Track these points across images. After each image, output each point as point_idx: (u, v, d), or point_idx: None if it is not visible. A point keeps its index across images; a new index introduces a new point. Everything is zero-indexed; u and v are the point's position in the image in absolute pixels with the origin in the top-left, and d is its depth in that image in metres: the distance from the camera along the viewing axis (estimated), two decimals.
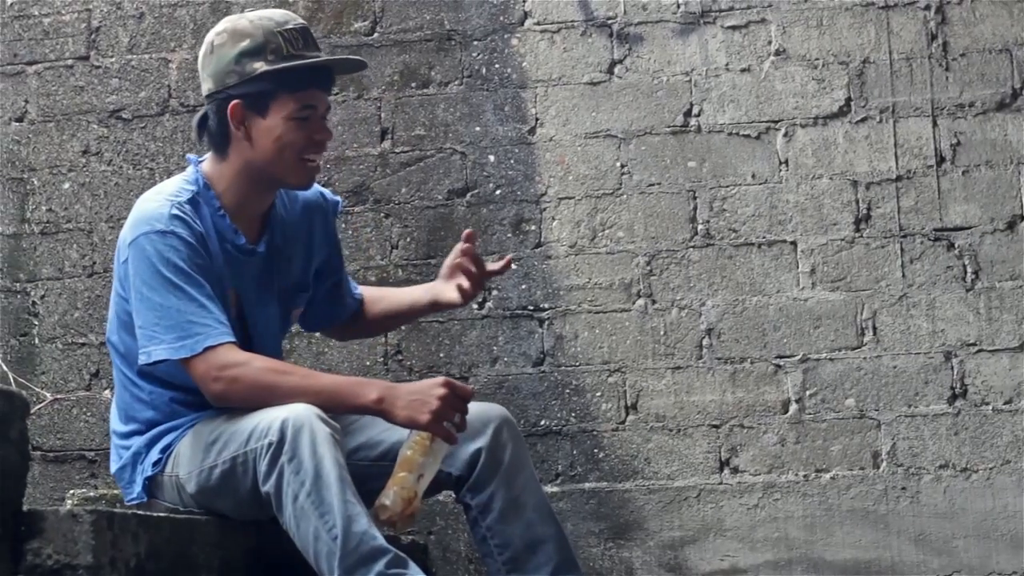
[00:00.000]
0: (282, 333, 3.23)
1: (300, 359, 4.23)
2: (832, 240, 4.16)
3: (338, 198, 3.28)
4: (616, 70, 4.30)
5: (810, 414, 4.11)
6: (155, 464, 2.97)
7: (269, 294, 3.08)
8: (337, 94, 4.30)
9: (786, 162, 4.21)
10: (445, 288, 3.15)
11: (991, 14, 4.16)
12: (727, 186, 4.22)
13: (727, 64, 4.26)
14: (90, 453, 4.37)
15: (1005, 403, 4.06)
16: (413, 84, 4.38)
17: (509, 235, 4.28)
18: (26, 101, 4.53)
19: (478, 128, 4.33)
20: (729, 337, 4.17)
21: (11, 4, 4.56)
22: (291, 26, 2.99)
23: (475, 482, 3.00)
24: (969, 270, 4.10)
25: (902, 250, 4.13)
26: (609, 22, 4.31)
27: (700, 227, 4.22)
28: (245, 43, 2.95)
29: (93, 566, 2.39)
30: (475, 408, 2.93)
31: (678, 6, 4.29)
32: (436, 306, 3.24)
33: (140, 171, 4.45)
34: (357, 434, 3.04)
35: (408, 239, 4.32)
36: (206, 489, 2.88)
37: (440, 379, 2.85)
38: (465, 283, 3.09)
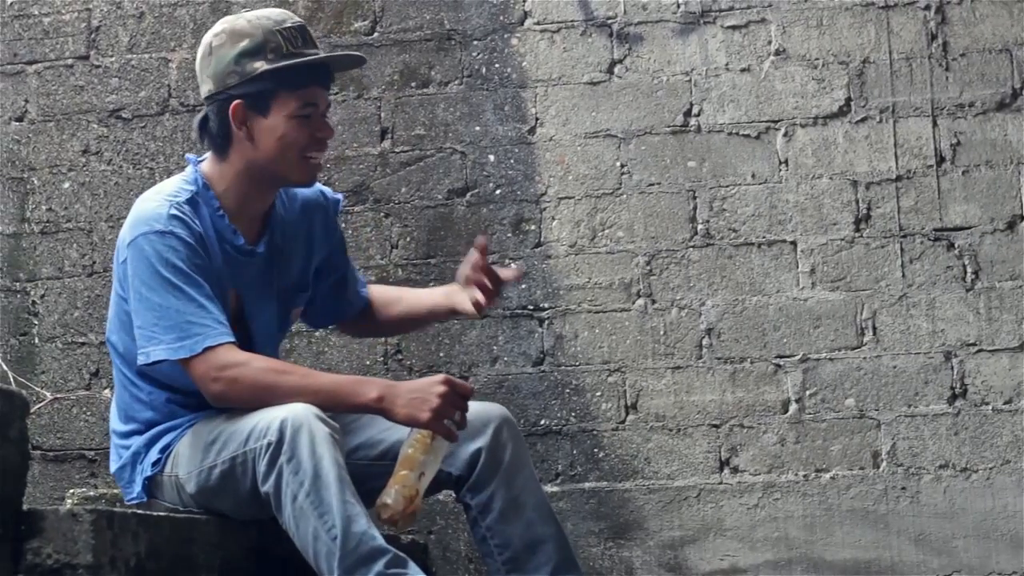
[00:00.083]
0: (282, 333, 3.23)
1: (300, 359, 4.23)
2: (832, 240, 4.16)
3: (339, 196, 3.27)
4: (616, 70, 4.30)
5: (810, 414, 4.11)
6: (154, 464, 2.97)
7: (269, 294, 3.08)
8: (337, 94, 4.30)
9: (786, 162, 4.21)
10: (463, 297, 3.14)
11: (991, 14, 4.16)
12: (727, 186, 4.22)
13: (727, 64, 4.26)
14: (90, 452, 4.37)
15: (1005, 403, 4.06)
16: (413, 84, 4.38)
17: (509, 235, 4.28)
18: (26, 100, 4.53)
19: (478, 128, 4.33)
20: (729, 337, 4.17)
21: (11, 3, 4.56)
22: (289, 24, 2.98)
23: (475, 482, 3.00)
24: (969, 270, 4.10)
25: (902, 250, 4.13)
26: (609, 22, 4.31)
27: (700, 227, 4.22)
28: (244, 43, 2.95)
29: (93, 565, 2.39)
30: (475, 407, 2.93)
31: (678, 6, 4.29)
32: (455, 313, 3.23)
33: (140, 171, 4.45)
34: (357, 433, 3.04)
35: (408, 239, 4.32)
36: (206, 489, 2.88)
37: (440, 377, 2.85)
38: (480, 297, 3.08)
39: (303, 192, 3.15)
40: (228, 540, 2.89)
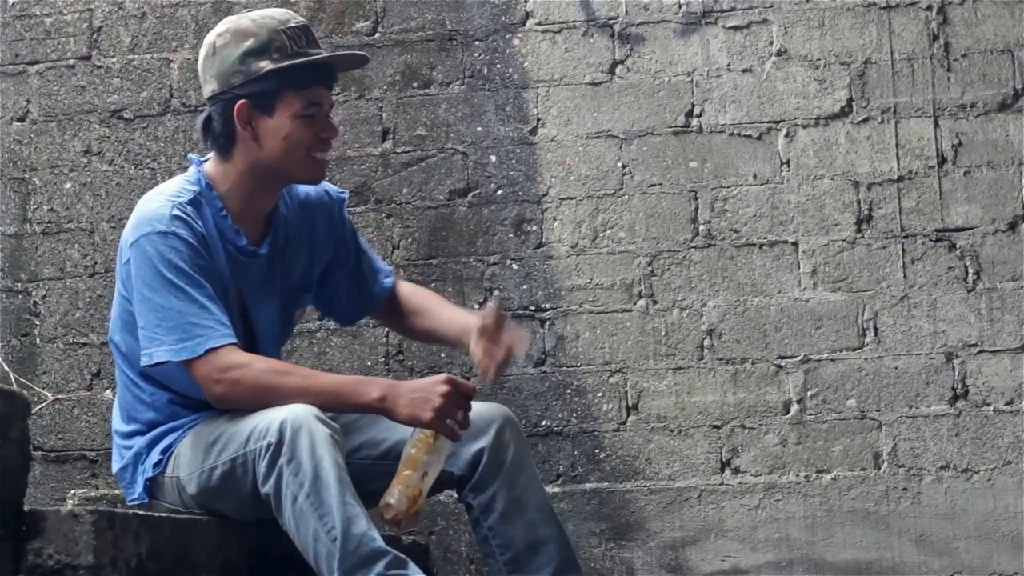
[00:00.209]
0: (285, 334, 3.22)
1: (301, 359, 4.23)
2: (833, 241, 4.16)
3: (344, 193, 3.25)
4: (618, 70, 4.30)
5: (811, 415, 4.11)
6: (156, 465, 2.97)
7: (271, 295, 3.07)
8: (338, 94, 4.30)
9: (787, 162, 4.21)
10: (478, 351, 3.04)
11: (993, 15, 4.16)
12: (728, 186, 4.22)
13: (728, 64, 4.26)
14: (91, 453, 4.37)
15: (1006, 404, 4.05)
16: (415, 84, 4.38)
17: (510, 235, 4.28)
18: (28, 101, 4.53)
19: (479, 128, 4.33)
20: (730, 338, 4.17)
21: (13, 4, 4.56)
22: (293, 24, 2.98)
23: (477, 482, 3.00)
24: (970, 271, 4.10)
25: (903, 251, 4.13)
26: (611, 22, 4.31)
27: (701, 227, 4.22)
28: (249, 42, 2.94)
29: (94, 566, 2.39)
30: (478, 407, 2.92)
31: (680, 6, 4.28)
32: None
33: (142, 171, 4.45)
34: (359, 433, 3.03)
35: (409, 239, 4.32)
36: (206, 490, 2.88)
37: (442, 376, 2.85)
38: (489, 368, 2.98)
39: (306, 192, 3.14)
40: (229, 541, 2.89)
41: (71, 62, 4.52)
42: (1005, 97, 4.14)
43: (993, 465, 4.04)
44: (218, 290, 2.90)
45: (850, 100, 4.20)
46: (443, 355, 4.24)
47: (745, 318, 4.17)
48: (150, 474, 2.97)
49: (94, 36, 4.52)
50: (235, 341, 2.85)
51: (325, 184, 3.19)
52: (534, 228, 4.28)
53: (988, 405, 4.06)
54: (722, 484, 4.13)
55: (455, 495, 3.11)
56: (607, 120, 4.28)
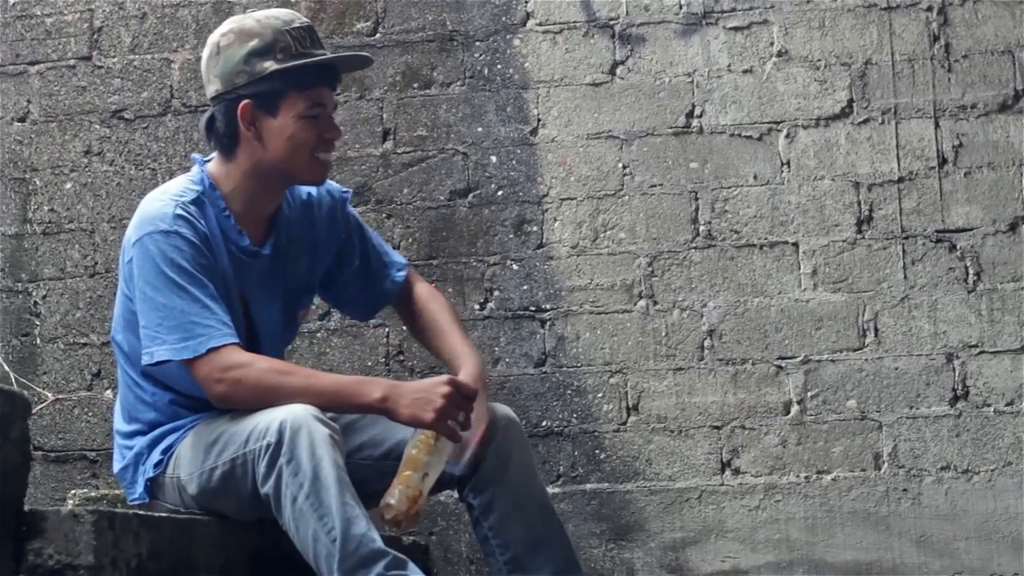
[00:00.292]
0: (288, 335, 3.22)
1: (301, 359, 4.23)
2: (834, 241, 4.16)
3: (347, 192, 3.24)
4: (618, 71, 4.30)
5: (811, 415, 4.11)
6: (156, 465, 2.97)
7: (274, 296, 3.07)
8: (339, 95, 4.29)
9: (788, 163, 4.21)
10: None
11: (993, 15, 4.16)
12: (729, 187, 4.22)
13: (729, 65, 4.26)
14: (91, 453, 4.37)
15: (1007, 405, 4.05)
16: (415, 85, 4.38)
17: (511, 236, 4.28)
18: (28, 101, 4.53)
19: (480, 129, 4.33)
20: (731, 338, 4.17)
21: (13, 4, 4.56)
22: (298, 25, 2.98)
23: (478, 481, 3.00)
24: (971, 272, 4.10)
25: (904, 251, 4.13)
26: (611, 23, 4.31)
27: (702, 228, 4.22)
28: (254, 43, 2.94)
29: (94, 566, 2.39)
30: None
31: (680, 7, 4.29)
32: None
33: (142, 171, 4.45)
34: (360, 433, 3.03)
35: (410, 240, 4.32)
36: (207, 491, 2.87)
37: (444, 377, 2.85)
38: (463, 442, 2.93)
39: (309, 192, 3.14)
40: (229, 541, 2.89)
41: (72, 62, 4.52)
42: (1006, 98, 4.15)
43: (993, 466, 4.04)
44: (220, 290, 2.90)
45: (851, 101, 4.20)
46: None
47: (745, 319, 4.17)
48: (151, 474, 2.97)
49: (95, 36, 4.52)
50: (237, 341, 2.84)
51: (328, 183, 3.18)
52: (534, 229, 4.28)
53: (988, 406, 4.06)
54: (722, 485, 4.13)
55: (455, 495, 3.11)
56: (608, 121, 4.28)
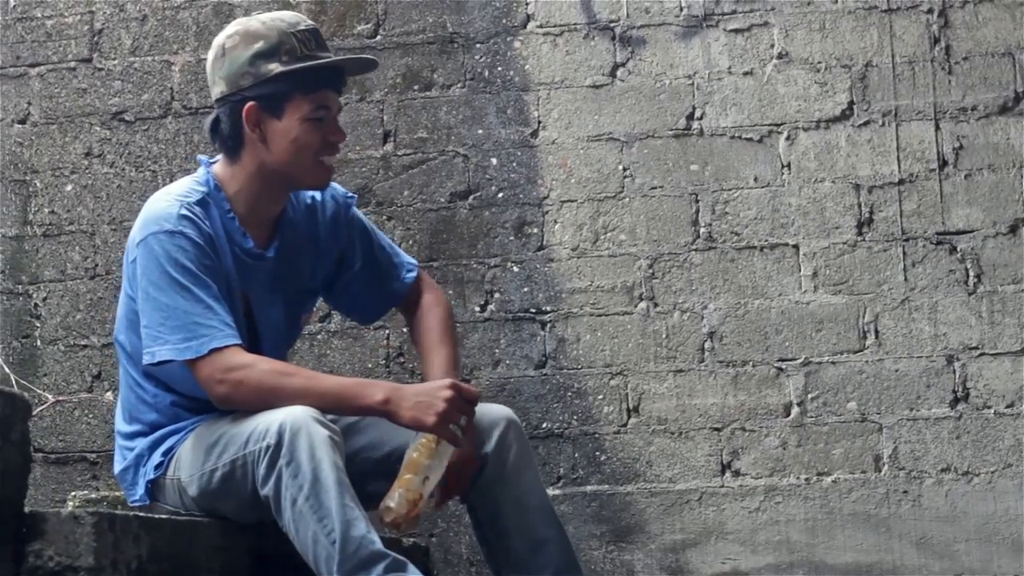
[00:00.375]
0: (290, 338, 3.21)
1: (302, 361, 4.23)
2: (834, 243, 4.16)
3: (352, 196, 3.22)
4: (619, 73, 4.30)
5: (812, 417, 4.11)
6: (157, 467, 2.97)
7: (277, 298, 3.06)
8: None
9: (788, 165, 4.21)
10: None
11: (994, 18, 4.16)
12: (729, 189, 4.22)
13: (729, 67, 4.26)
14: (92, 455, 4.37)
15: (1007, 407, 4.05)
16: (416, 87, 4.38)
17: (511, 238, 4.28)
18: (29, 103, 4.54)
19: (480, 131, 4.34)
20: (731, 340, 4.17)
21: (14, 6, 4.56)
22: (303, 27, 2.98)
23: (479, 482, 2.99)
24: (971, 274, 4.10)
25: (904, 253, 4.13)
26: (612, 25, 4.32)
27: (702, 230, 4.22)
28: (259, 44, 2.93)
29: (94, 568, 2.39)
30: (482, 409, 2.92)
31: (681, 9, 4.29)
32: None
33: (142, 173, 4.45)
34: (361, 435, 3.03)
35: (410, 241, 4.32)
36: (207, 492, 2.87)
37: (447, 381, 2.84)
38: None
39: (313, 195, 3.13)
40: (229, 543, 2.89)
41: (72, 64, 4.52)
42: (1006, 100, 4.15)
43: (994, 468, 4.04)
44: (224, 291, 2.90)
45: (851, 103, 4.20)
46: None
47: (746, 321, 4.17)
48: (151, 476, 2.97)
49: (95, 38, 4.52)
50: (239, 342, 2.84)
51: (333, 187, 3.17)
52: (535, 231, 4.28)
53: (989, 408, 4.06)
54: (723, 487, 4.13)
55: (456, 497, 3.11)
56: (608, 123, 4.28)
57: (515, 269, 4.26)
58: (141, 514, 2.66)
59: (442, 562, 4.18)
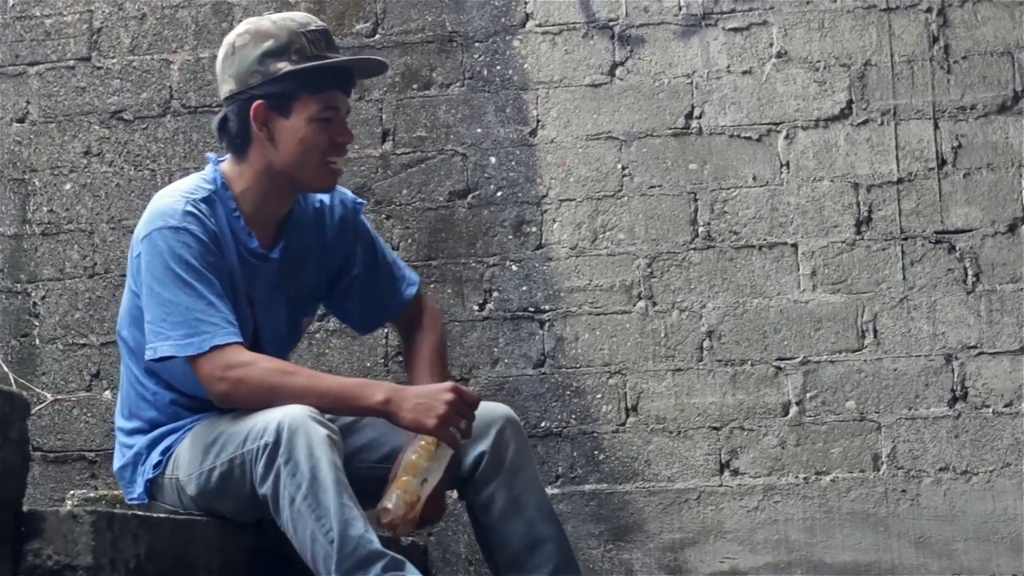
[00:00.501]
0: (291, 341, 3.21)
1: (300, 360, 4.23)
2: (833, 242, 4.16)
3: (361, 202, 3.22)
4: (617, 72, 4.30)
5: (810, 416, 4.11)
6: (155, 466, 2.97)
7: (279, 300, 3.06)
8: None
9: (787, 164, 4.21)
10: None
11: (993, 17, 4.16)
12: (728, 188, 4.22)
13: (728, 66, 4.26)
14: (90, 454, 4.37)
15: (1005, 406, 4.06)
16: (414, 85, 4.38)
17: (510, 237, 4.28)
18: (28, 102, 4.54)
19: (479, 130, 4.34)
20: (730, 339, 4.17)
21: (13, 5, 4.56)
22: (313, 27, 2.97)
23: (477, 480, 2.99)
24: (970, 273, 4.10)
25: (903, 252, 4.13)
26: (610, 24, 4.32)
27: (701, 229, 4.22)
28: (269, 43, 2.93)
29: (93, 567, 2.39)
30: (481, 408, 2.91)
31: (679, 8, 4.29)
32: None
33: (141, 172, 4.45)
34: (359, 436, 3.03)
35: (409, 240, 4.32)
36: (205, 491, 2.87)
37: (448, 384, 2.83)
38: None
39: (322, 199, 3.12)
40: (228, 542, 2.89)
41: (71, 63, 4.53)
42: (1005, 99, 4.15)
43: (992, 467, 4.04)
44: (228, 289, 2.90)
45: (850, 102, 4.20)
46: None
47: (744, 320, 4.17)
48: (150, 475, 2.97)
49: (94, 37, 4.52)
50: (241, 340, 2.84)
51: (343, 192, 3.17)
52: (534, 229, 4.28)
53: (987, 407, 4.06)
54: (721, 486, 4.13)
55: (455, 495, 3.11)
56: (607, 122, 4.28)
57: (514, 268, 4.26)
58: (139, 513, 2.66)
59: (441, 561, 4.18)
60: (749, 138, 4.23)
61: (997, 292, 4.09)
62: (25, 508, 2.43)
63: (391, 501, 2.79)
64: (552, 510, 3.04)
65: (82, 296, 4.43)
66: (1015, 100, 4.14)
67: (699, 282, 4.20)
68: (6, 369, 4.36)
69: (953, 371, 4.08)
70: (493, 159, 4.32)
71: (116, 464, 3.06)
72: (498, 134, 4.32)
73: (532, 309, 4.25)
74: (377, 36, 4.40)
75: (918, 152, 4.16)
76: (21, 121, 4.53)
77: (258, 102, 2.92)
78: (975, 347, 4.08)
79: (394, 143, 4.37)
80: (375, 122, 4.38)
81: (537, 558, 2.96)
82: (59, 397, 4.37)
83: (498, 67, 4.35)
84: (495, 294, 4.27)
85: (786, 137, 4.21)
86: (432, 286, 4.24)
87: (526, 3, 4.35)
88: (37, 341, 4.44)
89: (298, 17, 3.00)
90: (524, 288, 4.25)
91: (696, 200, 4.23)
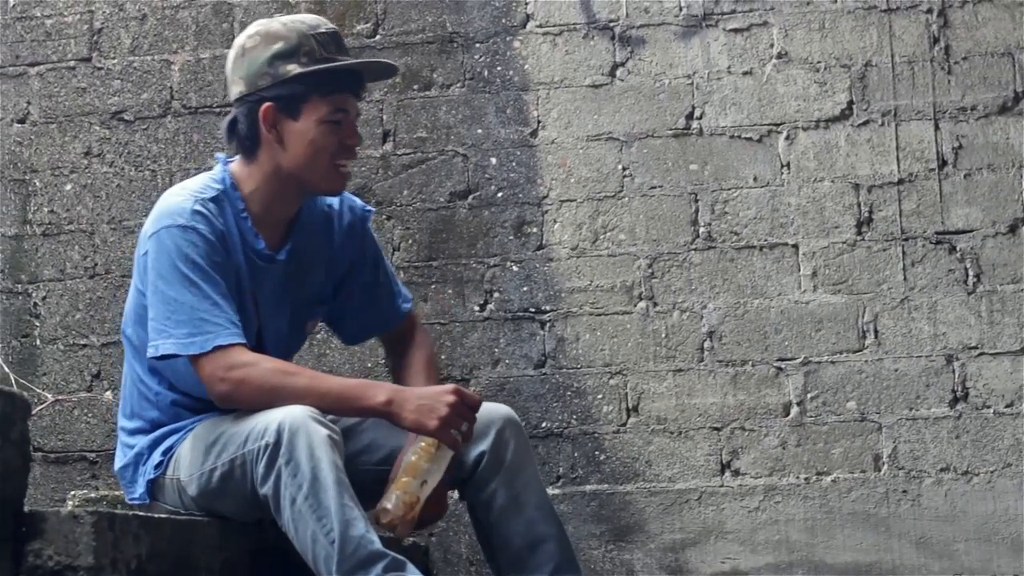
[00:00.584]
0: (295, 344, 3.20)
1: (301, 360, 4.21)
2: (834, 243, 4.16)
3: (370, 209, 3.20)
4: (618, 73, 4.30)
5: (811, 417, 4.11)
6: (156, 467, 2.97)
7: (284, 303, 3.05)
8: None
9: (788, 165, 4.21)
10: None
11: (993, 17, 4.16)
12: (729, 189, 4.22)
13: (729, 67, 4.26)
14: (91, 454, 4.37)
15: (1006, 406, 4.06)
16: (415, 86, 4.38)
17: (511, 237, 4.28)
18: (28, 102, 4.54)
19: (480, 130, 4.34)
20: (730, 340, 4.17)
21: (13, 5, 4.56)
22: (324, 30, 2.97)
23: (478, 479, 2.99)
24: (971, 273, 4.10)
25: (904, 253, 4.13)
26: (611, 25, 4.32)
27: (702, 230, 4.22)
28: (279, 45, 2.93)
29: (94, 567, 2.39)
30: (481, 408, 2.91)
31: (680, 9, 4.29)
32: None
33: (142, 173, 4.45)
34: (360, 437, 3.03)
35: (410, 241, 4.32)
36: (206, 492, 2.87)
37: (450, 386, 2.83)
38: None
39: (330, 204, 3.11)
40: (229, 542, 2.89)
41: (72, 64, 4.53)
42: (1005, 100, 4.15)
43: (993, 467, 4.04)
44: (233, 290, 2.89)
45: (850, 103, 4.20)
46: (443, 357, 4.24)
47: (745, 320, 4.17)
48: (151, 476, 2.97)
49: (95, 38, 4.52)
50: (244, 341, 2.84)
51: (351, 198, 3.17)
52: (534, 230, 4.28)
53: (988, 407, 4.06)
54: (722, 486, 4.13)
55: (456, 495, 3.11)
56: (607, 122, 4.28)
57: (514, 268, 4.26)
58: (141, 513, 2.67)
59: (442, 561, 4.18)
60: (750, 139, 4.23)
61: (998, 293, 4.09)
62: (26, 509, 2.43)
63: (390, 502, 2.79)
64: (553, 510, 3.04)
65: (83, 297, 4.43)
66: (1015, 101, 4.14)
67: (700, 283, 4.20)
68: (7, 370, 4.36)
69: (954, 372, 4.08)
70: (494, 160, 4.32)
71: (117, 464, 3.07)
72: (499, 135, 4.32)
73: (533, 310, 4.25)
74: (378, 37, 4.40)
75: (919, 153, 4.16)
76: (22, 122, 4.53)
77: (267, 104, 2.92)
78: (976, 348, 4.08)
79: (395, 144, 4.37)
80: (376, 123, 4.38)
81: (538, 557, 2.96)
82: (60, 398, 4.37)
83: (499, 68, 4.35)
84: (496, 295, 4.27)
85: (787, 138, 4.21)
86: (433, 287, 4.25)
87: (527, 4, 4.35)
88: (38, 342, 4.44)
89: (308, 19, 3.00)
90: (525, 289, 4.25)
91: (697, 201, 4.23)
